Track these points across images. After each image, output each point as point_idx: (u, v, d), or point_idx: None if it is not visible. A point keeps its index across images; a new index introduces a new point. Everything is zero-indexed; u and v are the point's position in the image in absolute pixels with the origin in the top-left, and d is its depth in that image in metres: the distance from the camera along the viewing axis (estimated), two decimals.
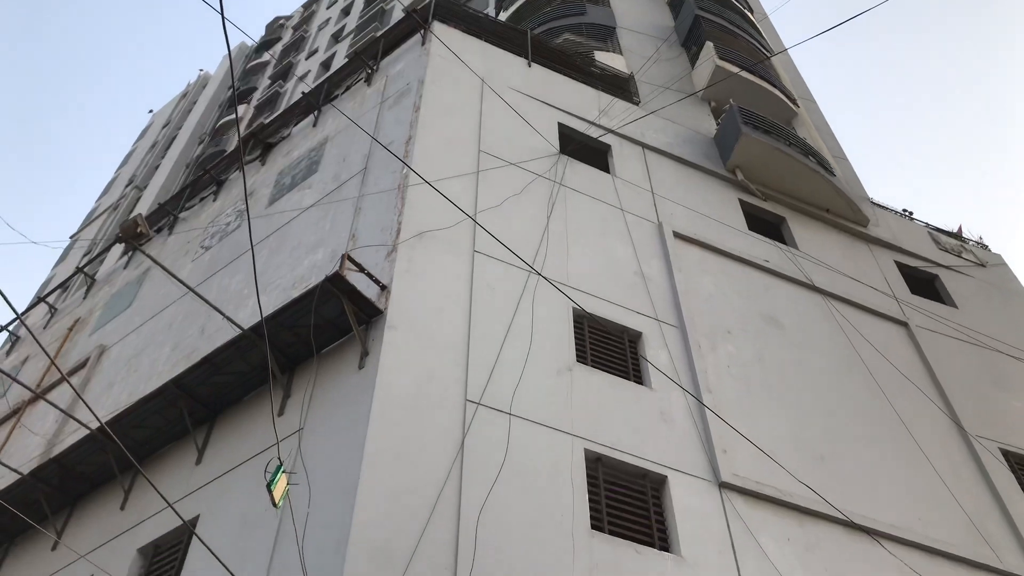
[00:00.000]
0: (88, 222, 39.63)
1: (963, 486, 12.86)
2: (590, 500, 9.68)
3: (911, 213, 20.81)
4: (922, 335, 15.73)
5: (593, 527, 9.40)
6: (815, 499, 10.90)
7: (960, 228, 21.00)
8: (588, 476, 9.92)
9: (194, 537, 9.71)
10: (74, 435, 12.70)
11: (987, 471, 13.31)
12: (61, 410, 11.28)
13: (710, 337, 12.85)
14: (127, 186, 39.17)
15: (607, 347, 11.90)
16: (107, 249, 26.66)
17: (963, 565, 11.51)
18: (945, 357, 15.47)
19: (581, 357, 11.45)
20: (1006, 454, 14.02)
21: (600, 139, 16.15)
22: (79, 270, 23.16)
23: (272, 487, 6.80)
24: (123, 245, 21.46)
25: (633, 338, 12.25)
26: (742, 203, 16.82)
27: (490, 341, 10.70)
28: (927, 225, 20.57)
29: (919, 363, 15.04)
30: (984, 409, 14.76)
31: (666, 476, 10.40)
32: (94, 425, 11.05)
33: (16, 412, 16.05)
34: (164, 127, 47.80)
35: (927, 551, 11.31)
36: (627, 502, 10.03)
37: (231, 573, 6.90)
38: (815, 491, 10.71)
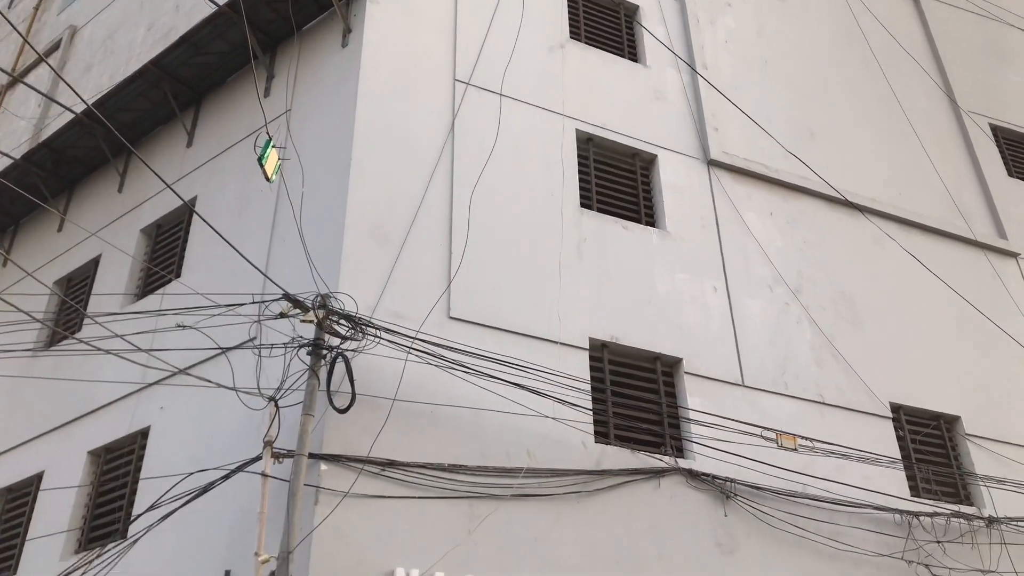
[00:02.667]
0: None
1: (947, 161, 13.08)
2: (580, 179, 9.85)
3: None
4: (929, 6, 15.09)
5: (582, 205, 9.66)
6: (801, 175, 11.12)
7: None
8: (579, 156, 10.00)
9: (194, 218, 9.98)
10: (59, 119, 12.55)
11: (973, 146, 13.48)
12: (42, 94, 11.03)
13: (709, 10, 12.30)
14: None
15: (602, 22, 11.42)
16: None
17: (935, 235, 12.06)
18: (950, 30, 14.98)
19: (575, 33, 11.02)
20: (995, 129, 14.11)
21: None
22: None
23: (263, 161, 6.82)
24: None
25: (630, 12, 11.72)
26: None
27: (478, 15, 10.22)
28: None
29: (922, 37, 14.60)
30: (980, 84, 14.59)
31: (656, 155, 10.50)
32: (78, 108, 10.87)
33: None
34: None
35: (903, 223, 11.79)
36: (616, 180, 10.22)
37: (234, 249, 7.18)
38: (805, 163, 10.86)
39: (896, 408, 10.20)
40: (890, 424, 9.99)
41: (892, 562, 8.86)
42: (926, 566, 8.95)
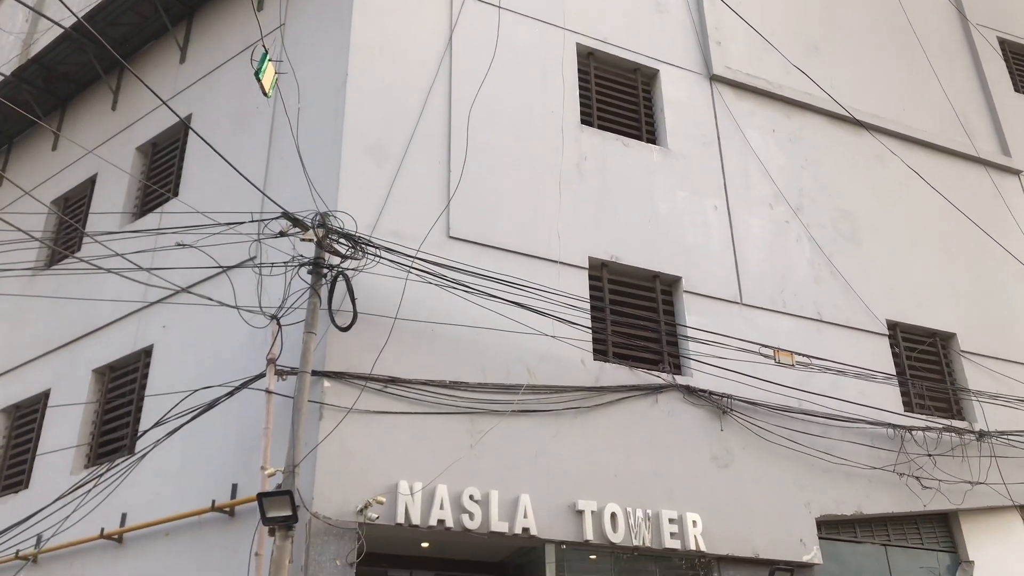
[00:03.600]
0: None
1: (953, 76, 12.88)
2: (580, 95, 9.70)
3: None
4: None
5: (583, 122, 9.54)
6: (804, 91, 10.96)
7: None
8: (579, 71, 9.83)
9: (190, 136, 9.87)
10: (48, 34, 12.27)
11: (980, 60, 13.26)
12: (29, 7, 10.72)
13: None
14: None
15: None
16: None
17: (938, 152, 11.97)
18: None
19: None
20: (1003, 43, 13.85)
21: None
22: None
23: (260, 75, 6.70)
24: None
25: None
26: None
27: None
28: None
29: None
30: None
31: (658, 70, 10.32)
32: (67, 22, 10.62)
33: None
34: None
35: (906, 139, 11.68)
36: (617, 97, 10.07)
37: (232, 167, 7.11)
38: (809, 77, 10.67)
39: (892, 325, 10.29)
40: (886, 341, 10.10)
41: (883, 474, 9.07)
42: (916, 478, 9.17)
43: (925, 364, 10.46)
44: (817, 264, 10.08)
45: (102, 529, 7.91)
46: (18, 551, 8.42)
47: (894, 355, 10.11)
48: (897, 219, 11.04)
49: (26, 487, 9.47)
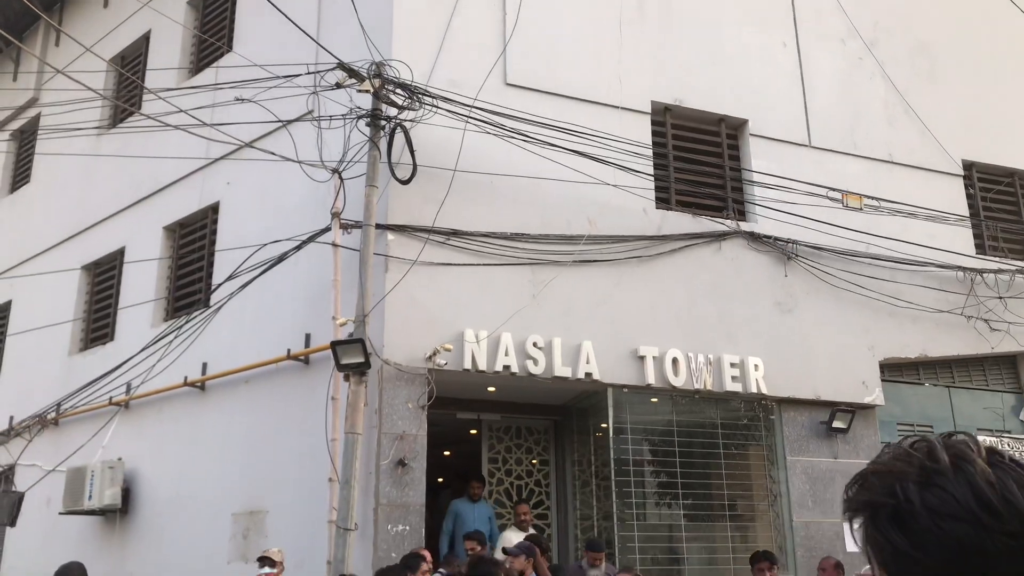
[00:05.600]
0: None
1: None
2: None
3: None
4: None
5: None
6: None
7: None
8: None
9: None
10: None
11: None
12: None
13: None
14: None
15: None
16: None
17: None
18: None
19: None
20: None
21: None
22: None
23: None
24: None
25: None
26: None
27: None
28: None
29: None
30: None
31: None
32: None
33: None
34: None
35: None
36: None
37: (285, 16, 6.94)
38: None
39: (968, 165, 9.89)
40: (960, 182, 9.74)
41: (950, 317, 8.97)
42: (985, 321, 9.05)
43: (1002, 205, 10.10)
44: (891, 103, 9.63)
45: (185, 377, 8.34)
46: (111, 398, 8.97)
47: (968, 196, 9.77)
48: (978, 52, 10.39)
49: (112, 339, 9.98)
